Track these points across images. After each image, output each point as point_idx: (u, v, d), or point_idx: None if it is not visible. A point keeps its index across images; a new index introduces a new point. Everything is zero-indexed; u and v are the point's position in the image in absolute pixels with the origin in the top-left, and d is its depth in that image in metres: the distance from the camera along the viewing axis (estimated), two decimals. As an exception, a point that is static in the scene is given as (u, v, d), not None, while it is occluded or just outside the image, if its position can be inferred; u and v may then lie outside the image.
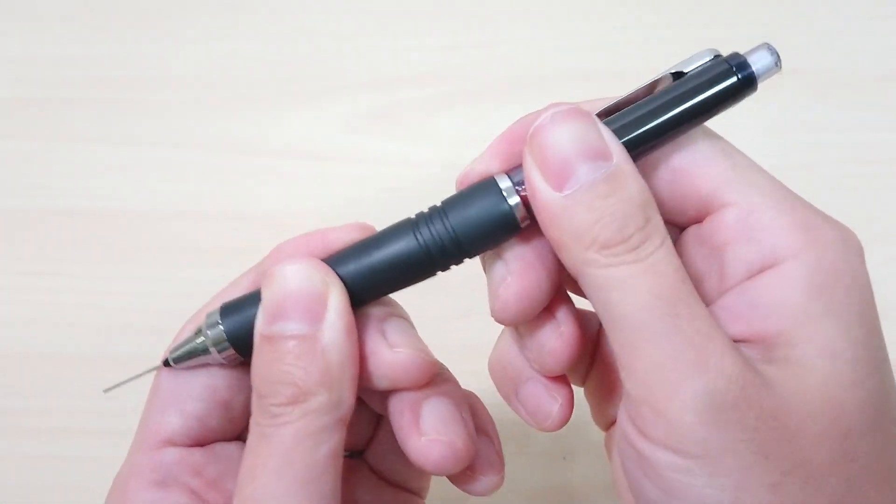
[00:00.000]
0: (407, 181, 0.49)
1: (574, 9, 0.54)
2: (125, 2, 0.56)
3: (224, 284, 0.28)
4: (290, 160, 0.50)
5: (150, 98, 0.52)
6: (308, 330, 0.24)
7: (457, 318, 0.42)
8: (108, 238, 0.48)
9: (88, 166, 0.50)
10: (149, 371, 0.28)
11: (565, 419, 0.28)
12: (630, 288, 0.22)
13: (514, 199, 0.25)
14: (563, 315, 0.27)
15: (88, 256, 0.47)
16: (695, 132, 0.25)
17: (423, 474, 0.31)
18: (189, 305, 0.29)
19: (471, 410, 0.28)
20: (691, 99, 0.24)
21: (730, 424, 0.21)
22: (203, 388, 0.27)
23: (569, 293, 0.28)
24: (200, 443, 0.27)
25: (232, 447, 0.28)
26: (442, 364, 0.28)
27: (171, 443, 0.27)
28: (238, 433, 0.29)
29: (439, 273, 0.26)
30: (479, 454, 0.28)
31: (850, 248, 0.24)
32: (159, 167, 0.50)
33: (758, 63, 0.25)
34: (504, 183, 0.25)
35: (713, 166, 0.25)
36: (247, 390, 0.28)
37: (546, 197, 0.23)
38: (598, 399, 0.31)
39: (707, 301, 0.25)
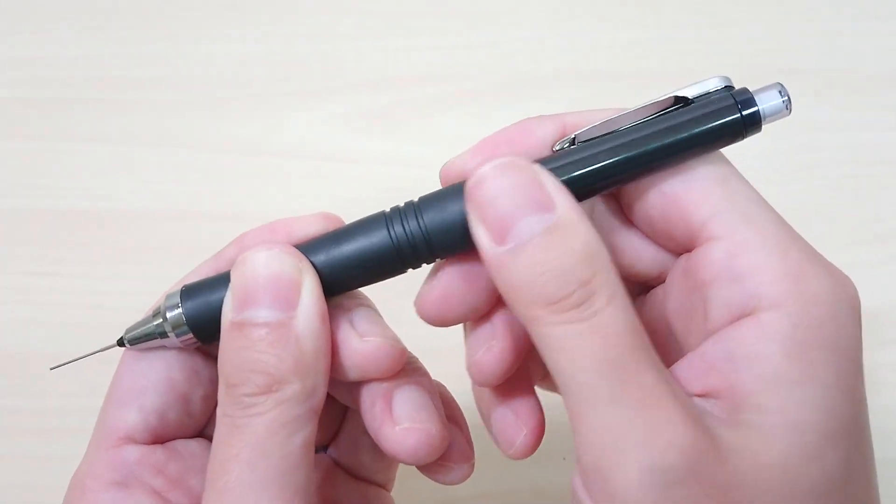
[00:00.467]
0: (407, 181, 0.48)
1: (574, 9, 0.54)
2: (125, 2, 0.56)
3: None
4: (290, 160, 0.50)
5: (149, 98, 0.52)
6: (281, 317, 0.24)
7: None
8: (108, 238, 0.48)
9: (88, 166, 0.50)
10: (102, 350, 0.27)
11: (530, 449, 0.28)
12: (573, 349, 0.21)
13: None
14: (499, 323, 0.26)
15: (88, 256, 0.47)
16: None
17: (389, 467, 0.31)
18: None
19: (440, 399, 0.28)
20: (687, 131, 0.23)
21: (677, 501, 0.20)
22: (161, 381, 0.26)
23: None
24: (160, 439, 0.27)
25: (193, 444, 0.27)
26: (411, 353, 0.28)
27: (131, 440, 0.26)
28: (198, 429, 0.28)
29: (410, 271, 0.26)
30: (451, 443, 0.27)
31: (840, 302, 0.22)
32: (159, 167, 0.50)
33: (765, 103, 0.23)
34: None
35: (706, 194, 0.24)
36: (206, 384, 0.27)
37: (488, 251, 0.22)
38: None
39: (693, 340, 0.24)
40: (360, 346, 0.25)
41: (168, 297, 0.26)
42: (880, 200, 0.47)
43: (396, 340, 0.26)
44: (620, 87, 0.51)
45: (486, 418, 0.29)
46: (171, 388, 0.27)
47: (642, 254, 0.27)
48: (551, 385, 0.31)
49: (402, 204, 0.25)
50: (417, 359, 0.28)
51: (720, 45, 0.52)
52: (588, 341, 0.21)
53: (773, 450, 0.21)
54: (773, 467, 0.21)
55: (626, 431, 0.21)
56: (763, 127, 0.23)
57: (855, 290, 0.23)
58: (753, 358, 0.22)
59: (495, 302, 0.26)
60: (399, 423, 0.26)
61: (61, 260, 0.47)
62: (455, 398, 0.30)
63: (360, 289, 0.27)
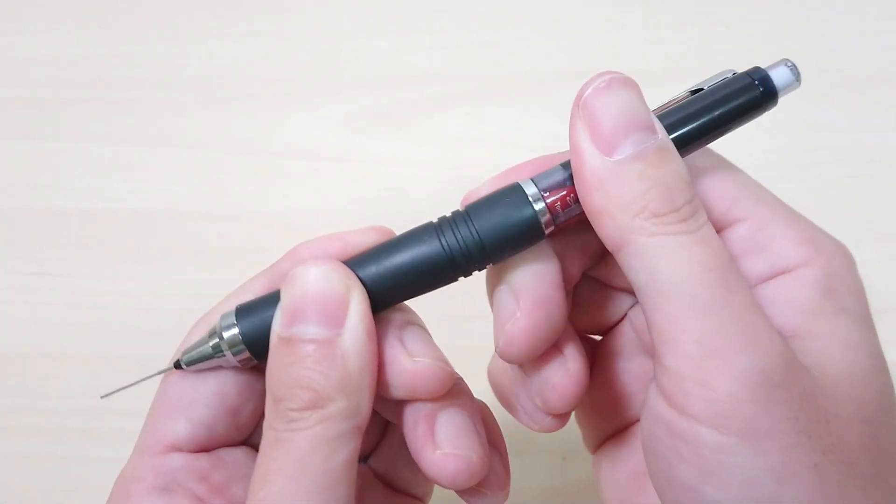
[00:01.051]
0: (407, 181, 0.49)
1: (574, 9, 0.54)
2: (126, 2, 0.56)
3: (224, 284, 0.28)
4: (291, 160, 0.50)
5: (150, 98, 0.52)
6: (328, 334, 0.24)
7: (463, 319, 0.42)
8: (108, 238, 0.48)
9: (88, 166, 0.50)
10: (158, 374, 0.27)
11: (563, 422, 0.28)
12: (681, 257, 0.22)
13: (539, 205, 0.25)
14: (570, 350, 0.27)
15: (88, 256, 0.47)
16: (698, 151, 0.25)
17: (427, 481, 0.31)
18: (189, 305, 0.28)
19: (483, 423, 0.28)
20: (714, 111, 0.25)
21: (777, 403, 0.21)
22: (213, 394, 0.27)
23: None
24: (206, 448, 0.27)
25: (238, 452, 0.28)
26: (458, 375, 0.28)
27: (177, 448, 0.26)
28: (244, 438, 0.28)
29: (461, 279, 0.26)
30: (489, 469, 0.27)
31: (848, 259, 0.25)
32: (159, 167, 0.50)
33: (778, 78, 0.25)
34: (530, 189, 0.25)
35: (723, 184, 0.26)
36: (256, 397, 0.27)
37: (594, 161, 0.23)
38: (592, 420, 0.31)
39: None
40: (409, 365, 0.25)
41: (223, 317, 0.26)
42: (880, 200, 0.47)
43: (446, 363, 0.26)
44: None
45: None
46: (222, 401, 0.27)
47: None
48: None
49: (448, 214, 0.26)
50: (463, 380, 0.28)
51: (720, 46, 0.52)
52: (695, 251, 0.22)
53: (835, 366, 0.23)
54: (841, 380, 0.22)
55: (730, 336, 0.22)
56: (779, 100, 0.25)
57: (849, 249, 0.26)
58: (794, 301, 0.24)
59: (566, 323, 0.27)
60: (440, 447, 0.26)
61: (61, 260, 0.47)
62: (496, 420, 0.30)
63: (410, 306, 0.27)
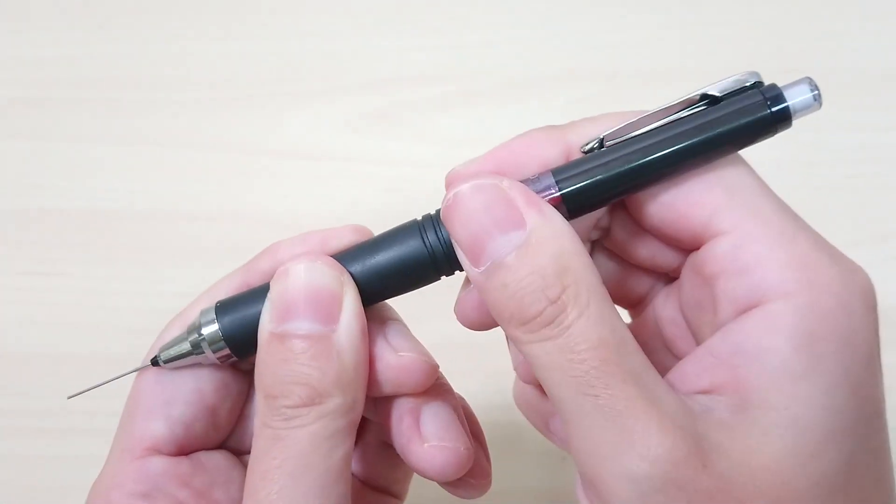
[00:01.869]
0: (407, 181, 0.49)
1: (574, 9, 0.54)
2: (126, 2, 0.56)
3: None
4: (290, 160, 0.50)
5: (150, 98, 0.52)
6: (323, 330, 0.24)
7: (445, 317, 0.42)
8: (108, 238, 0.48)
9: (88, 166, 0.50)
10: (133, 371, 0.27)
11: None
12: (547, 367, 0.22)
13: None
14: None
15: (88, 256, 0.47)
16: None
17: (404, 478, 0.31)
18: (189, 305, 0.28)
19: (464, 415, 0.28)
20: (716, 130, 0.23)
21: None
22: (191, 391, 0.26)
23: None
24: (184, 451, 0.26)
25: (217, 456, 0.27)
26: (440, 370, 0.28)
27: (156, 450, 0.26)
28: (221, 441, 0.28)
29: (443, 278, 0.26)
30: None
31: (851, 293, 0.22)
32: (159, 167, 0.50)
33: (795, 98, 0.23)
34: None
35: (703, 194, 0.23)
36: (234, 396, 0.27)
37: (470, 273, 0.23)
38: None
39: (705, 335, 0.24)
40: (394, 360, 0.25)
41: (203, 313, 0.26)
42: (880, 200, 0.47)
43: (429, 356, 0.26)
44: (620, 87, 0.51)
45: (543, 431, 0.29)
46: (200, 399, 0.26)
47: (660, 248, 0.27)
48: None
49: (433, 212, 0.25)
50: (444, 376, 0.28)
51: (721, 46, 0.52)
52: (557, 359, 0.21)
53: (771, 449, 0.21)
54: (768, 468, 0.21)
55: (602, 442, 0.21)
56: (794, 122, 0.23)
57: (868, 281, 0.22)
58: (760, 351, 0.21)
59: None
60: (427, 440, 0.26)
61: (61, 260, 0.47)
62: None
63: (389, 303, 0.27)
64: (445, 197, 0.23)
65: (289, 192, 0.49)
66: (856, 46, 0.52)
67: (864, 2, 0.53)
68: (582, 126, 0.25)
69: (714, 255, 0.23)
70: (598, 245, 0.29)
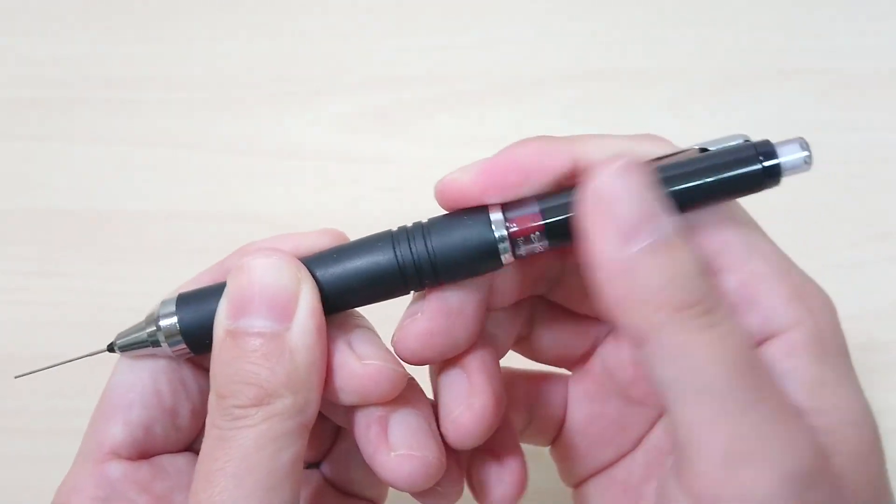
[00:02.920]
0: (407, 181, 0.49)
1: (573, 10, 0.54)
2: (126, 2, 0.56)
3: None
4: (290, 160, 0.50)
5: (150, 98, 0.52)
6: (276, 328, 0.23)
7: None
8: (108, 238, 0.48)
9: (88, 166, 0.50)
10: (90, 355, 0.26)
11: (510, 502, 0.27)
12: (705, 357, 0.21)
13: (500, 232, 0.24)
14: (478, 383, 0.26)
15: (88, 256, 0.47)
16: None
17: (381, 483, 0.30)
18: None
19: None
20: (705, 178, 0.23)
21: (814, 503, 0.21)
22: (148, 393, 0.26)
23: (496, 362, 0.27)
24: (146, 454, 0.26)
25: (180, 460, 0.27)
26: (410, 375, 0.27)
27: (116, 454, 0.25)
28: (186, 444, 0.27)
29: (413, 293, 0.25)
30: None
31: (833, 313, 0.24)
32: (159, 167, 0.50)
33: (786, 156, 0.23)
34: (495, 215, 0.24)
35: (716, 228, 0.24)
36: (194, 397, 0.27)
37: (610, 254, 0.21)
38: (568, 462, 0.30)
39: None
40: (359, 369, 0.24)
41: (163, 304, 0.25)
42: (880, 200, 0.47)
43: (397, 364, 0.25)
44: (618, 88, 0.51)
45: (462, 465, 0.28)
46: (159, 401, 0.26)
47: None
48: (534, 437, 0.31)
49: (409, 224, 0.25)
50: (415, 380, 0.27)
51: (720, 46, 0.52)
52: (723, 349, 0.21)
53: (845, 446, 0.22)
54: (853, 460, 0.22)
55: (767, 437, 0.20)
56: (782, 181, 0.23)
57: (831, 301, 0.24)
58: (792, 374, 0.22)
59: (473, 341, 0.26)
60: (395, 449, 0.25)
61: (61, 260, 0.47)
62: None
63: (362, 311, 0.26)
64: (596, 175, 0.22)
65: (289, 192, 0.49)
66: (856, 46, 0.52)
67: (864, 2, 0.53)
68: (590, 141, 0.24)
69: (724, 290, 0.23)
70: (540, 301, 0.28)
